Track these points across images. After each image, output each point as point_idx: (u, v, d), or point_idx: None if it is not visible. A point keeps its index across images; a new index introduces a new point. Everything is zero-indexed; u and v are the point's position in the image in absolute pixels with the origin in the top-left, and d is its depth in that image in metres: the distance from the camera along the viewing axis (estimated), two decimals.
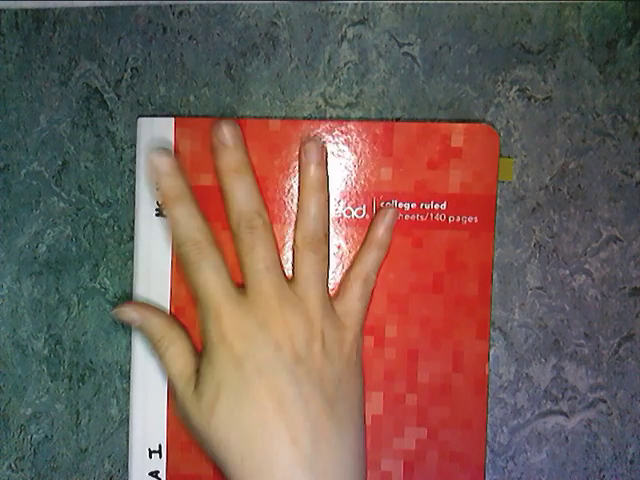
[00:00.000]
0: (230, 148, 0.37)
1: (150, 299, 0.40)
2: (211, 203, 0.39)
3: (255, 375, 0.34)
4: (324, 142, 0.39)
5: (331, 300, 0.38)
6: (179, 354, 0.37)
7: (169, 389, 0.39)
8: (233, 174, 0.36)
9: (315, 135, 0.39)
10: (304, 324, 0.36)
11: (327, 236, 0.38)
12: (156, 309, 0.38)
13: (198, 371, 0.36)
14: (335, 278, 0.39)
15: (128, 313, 0.38)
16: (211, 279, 0.36)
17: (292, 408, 0.34)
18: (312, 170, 0.37)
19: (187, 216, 0.36)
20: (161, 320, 0.38)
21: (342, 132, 0.39)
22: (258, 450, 0.34)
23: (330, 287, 0.39)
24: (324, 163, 0.38)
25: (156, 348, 0.37)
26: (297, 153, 0.39)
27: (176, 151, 0.40)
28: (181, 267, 0.37)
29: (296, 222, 0.38)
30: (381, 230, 0.38)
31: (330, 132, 0.39)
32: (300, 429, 0.34)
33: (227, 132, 0.36)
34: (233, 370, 0.35)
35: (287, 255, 0.39)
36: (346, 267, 0.39)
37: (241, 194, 0.36)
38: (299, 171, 0.38)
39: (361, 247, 0.39)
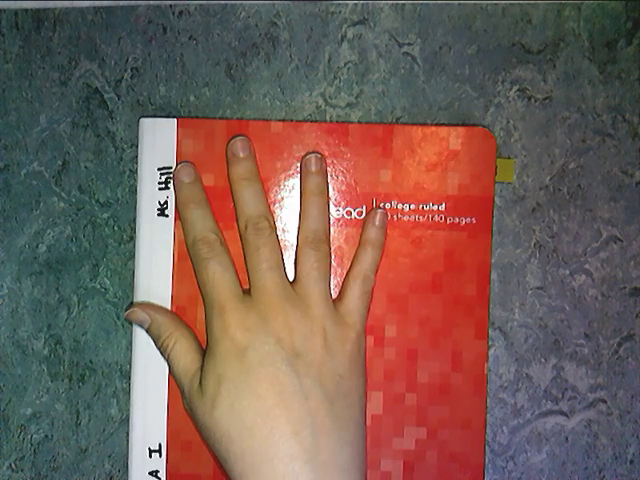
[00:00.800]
0: (242, 159, 0.39)
1: (151, 299, 0.40)
2: (213, 203, 0.39)
3: (256, 367, 0.35)
4: (323, 155, 0.40)
5: (333, 301, 0.38)
6: (184, 351, 0.38)
7: (171, 388, 0.40)
8: (243, 182, 0.39)
9: (304, 148, 0.40)
10: (304, 320, 0.36)
11: (328, 237, 0.39)
12: (161, 308, 0.40)
13: (202, 367, 0.37)
14: (336, 278, 0.40)
15: (138, 314, 0.39)
16: (218, 276, 0.37)
17: (292, 401, 0.35)
18: (312, 177, 0.39)
19: (201, 218, 0.39)
20: (166, 319, 0.39)
21: (342, 134, 0.40)
22: (259, 442, 0.34)
23: (332, 288, 0.39)
24: (323, 171, 0.39)
25: (162, 346, 0.38)
26: (298, 154, 0.40)
27: (178, 152, 0.40)
28: (191, 264, 0.39)
29: (299, 226, 0.39)
30: (372, 230, 0.39)
31: (331, 134, 0.40)
32: (301, 422, 0.34)
33: (240, 145, 0.39)
34: (235, 362, 0.35)
35: (289, 255, 0.39)
36: (347, 266, 0.39)
37: (249, 199, 0.38)
38: (300, 180, 0.40)
39: (357, 248, 0.40)
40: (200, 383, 0.36)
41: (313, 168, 0.39)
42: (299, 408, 0.35)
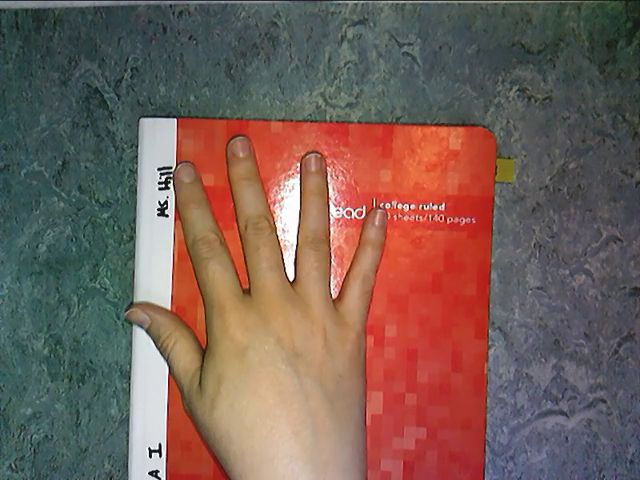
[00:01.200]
0: (242, 159, 0.39)
1: (151, 299, 0.40)
2: (213, 203, 0.39)
3: (256, 367, 0.35)
4: (322, 155, 0.40)
5: (333, 301, 0.38)
6: (184, 351, 0.38)
7: (171, 388, 0.40)
8: (243, 182, 0.39)
9: (303, 148, 0.40)
10: (304, 320, 0.36)
11: (328, 237, 0.39)
12: (161, 308, 0.40)
13: (202, 367, 0.37)
14: (336, 278, 0.40)
15: (138, 314, 0.39)
16: (218, 275, 0.37)
17: (293, 401, 0.35)
18: (312, 177, 0.39)
19: (201, 217, 0.38)
20: (166, 319, 0.39)
21: (342, 134, 0.40)
22: (259, 443, 0.34)
23: (332, 288, 0.39)
24: (323, 171, 0.39)
25: (162, 346, 0.38)
26: (298, 154, 0.40)
27: (178, 152, 0.40)
28: (191, 264, 0.39)
29: (298, 226, 0.39)
30: (372, 230, 0.39)
31: (330, 134, 0.40)
32: (301, 422, 0.34)
33: (240, 145, 0.39)
34: (235, 362, 0.35)
35: (289, 255, 0.39)
36: (347, 266, 0.39)
37: (249, 199, 0.38)
38: (300, 180, 0.40)
39: (356, 248, 0.40)
40: (200, 383, 0.36)
41: (313, 168, 0.39)
42: (299, 408, 0.35)
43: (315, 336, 0.36)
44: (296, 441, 0.34)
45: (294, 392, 0.35)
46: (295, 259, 0.39)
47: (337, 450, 0.35)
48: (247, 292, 0.38)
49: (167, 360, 0.38)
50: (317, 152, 0.39)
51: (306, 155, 0.39)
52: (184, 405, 0.38)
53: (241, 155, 0.39)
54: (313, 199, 0.39)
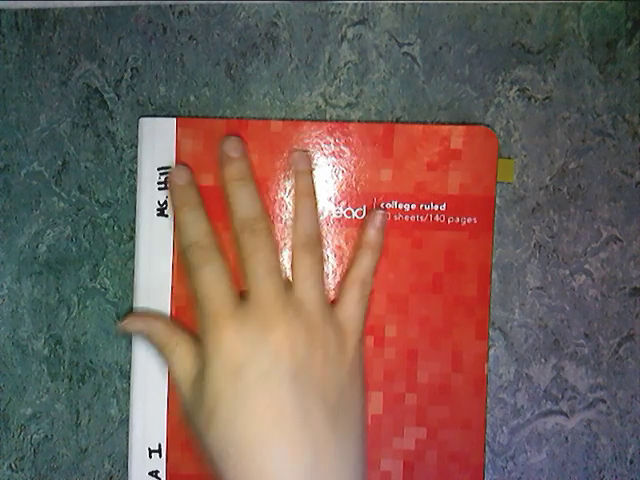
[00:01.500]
0: (235, 159, 0.38)
1: (151, 299, 0.40)
2: (212, 203, 0.39)
3: (254, 386, 0.34)
4: (311, 152, 0.39)
5: (331, 306, 0.38)
6: (184, 356, 0.37)
7: (171, 388, 0.40)
8: (237, 182, 0.38)
9: (301, 147, 0.39)
10: (305, 330, 0.35)
11: (321, 239, 0.39)
12: (158, 315, 0.39)
13: (201, 375, 0.36)
14: (335, 278, 0.40)
15: (134, 324, 0.38)
16: (212, 282, 0.36)
17: (292, 421, 0.34)
18: (300, 177, 0.39)
19: (195, 221, 0.38)
20: (164, 325, 0.38)
21: (343, 133, 0.40)
22: (256, 466, 0.33)
23: (331, 289, 0.39)
24: (310, 171, 0.39)
25: (162, 353, 0.38)
26: None
27: (177, 151, 0.40)
28: (184, 270, 0.38)
29: (292, 228, 0.39)
30: (372, 232, 0.39)
31: (331, 133, 0.40)
32: (301, 442, 0.33)
33: (233, 145, 0.38)
34: (232, 380, 0.34)
35: (287, 255, 0.39)
36: (346, 267, 0.39)
37: (244, 200, 0.37)
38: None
39: (356, 251, 0.39)
40: (199, 392, 0.35)
41: (300, 167, 0.39)
42: (299, 428, 0.34)
43: (315, 348, 0.35)
44: (295, 462, 0.33)
45: (294, 411, 0.34)
46: (291, 263, 0.38)
47: (337, 466, 0.34)
48: (243, 296, 0.36)
49: (167, 365, 0.38)
50: (304, 149, 0.39)
51: (294, 153, 0.39)
52: (183, 409, 0.37)
53: (233, 155, 0.38)
54: (303, 201, 0.38)
